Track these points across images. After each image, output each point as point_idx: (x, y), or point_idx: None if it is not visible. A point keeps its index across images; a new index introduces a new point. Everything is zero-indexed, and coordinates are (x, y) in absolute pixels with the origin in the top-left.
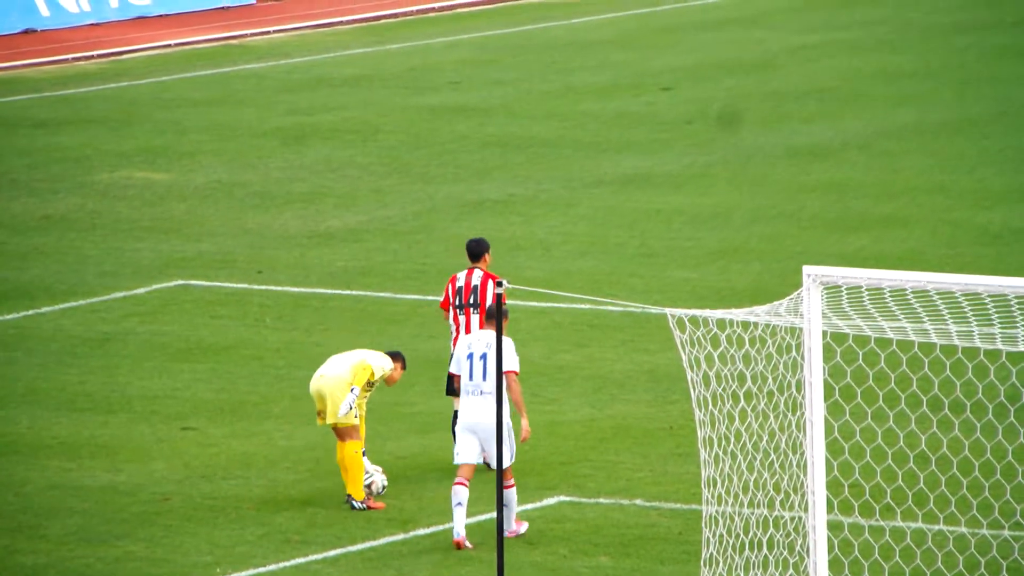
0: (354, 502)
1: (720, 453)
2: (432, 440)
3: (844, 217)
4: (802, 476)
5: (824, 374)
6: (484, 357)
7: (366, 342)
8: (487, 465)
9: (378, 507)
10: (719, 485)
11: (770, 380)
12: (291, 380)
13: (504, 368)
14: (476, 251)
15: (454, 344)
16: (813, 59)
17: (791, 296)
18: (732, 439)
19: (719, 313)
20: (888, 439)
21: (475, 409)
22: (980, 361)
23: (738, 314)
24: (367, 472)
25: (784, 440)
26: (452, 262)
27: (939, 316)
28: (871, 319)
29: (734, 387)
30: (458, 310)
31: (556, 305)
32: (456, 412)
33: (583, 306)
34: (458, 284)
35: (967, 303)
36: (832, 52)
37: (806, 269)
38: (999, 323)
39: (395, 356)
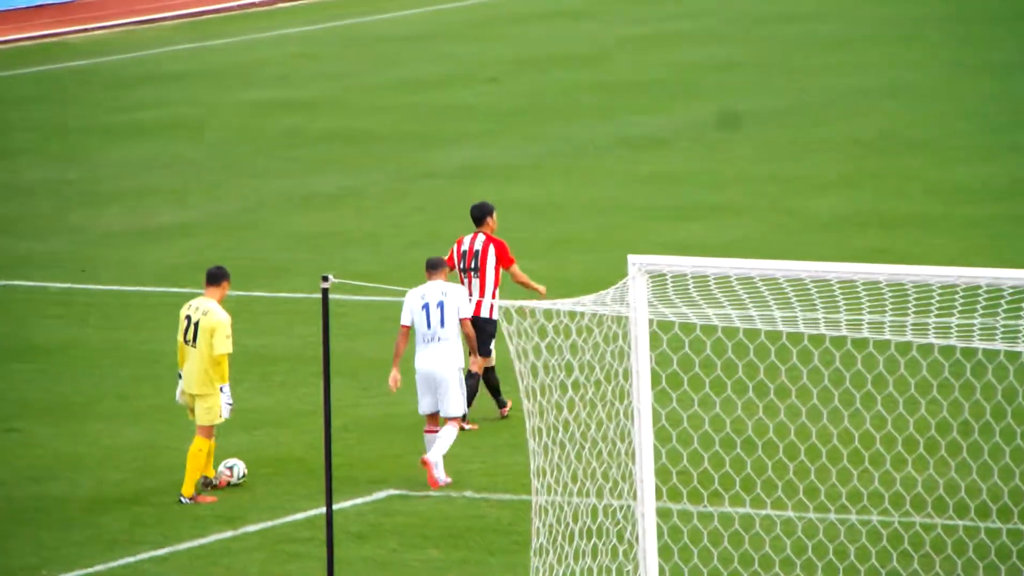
0: (182, 498)
1: (549, 443)
2: (260, 436)
3: (677, 206)
4: (630, 464)
5: (651, 362)
6: (441, 305)
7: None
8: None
9: (209, 500)
10: (548, 475)
11: (597, 369)
12: (117, 379)
13: (460, 315)
14: (478, 215)
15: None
16: (643, 50)
17: (617, 285)
18: (560, 429)
19: (545, 304)
20: (715, 425)
21: (431, 357)
22: (804, 346)
23: (564, 304)
24: (230, 462)
25: (612, 428)
26: (283, 256)
27: (764, 303)
28: (697, 306)
29: (561, 377)
30: (462, 273)
31: (386, 299)
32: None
33: None
34: (462, 248)
35: (791, 289)
36: (662, 43)
37: (631, 258)
38: (823, 309)
39: (216, 278)
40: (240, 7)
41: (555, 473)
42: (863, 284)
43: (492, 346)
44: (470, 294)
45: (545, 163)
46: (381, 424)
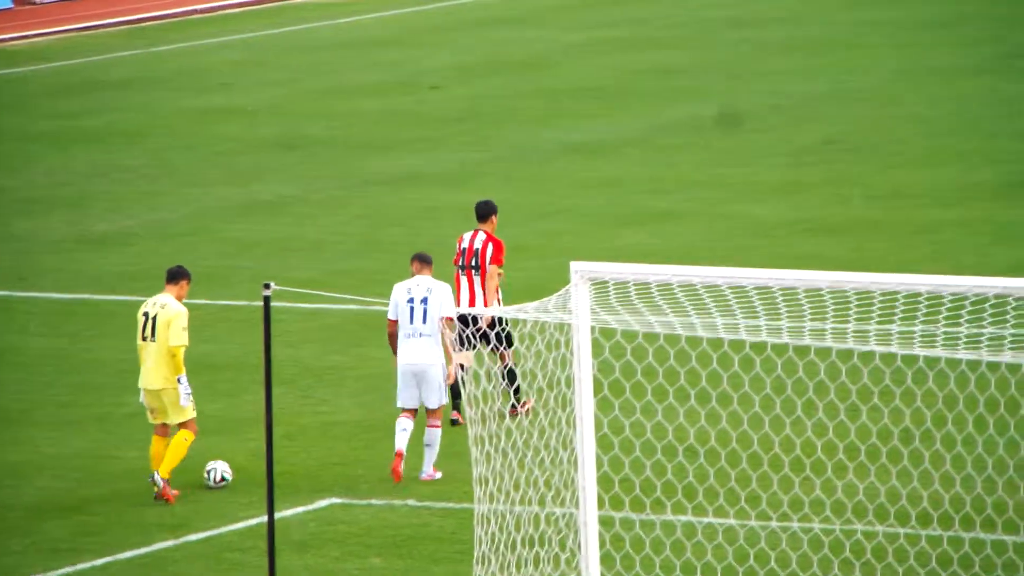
0: (157, 476)
1: (491, 451)
2: (203, 444)
3: (621, 213)
4: (573, 472)
5: (593, 369)
6: (425, 301)
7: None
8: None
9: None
10: (491, 483)
11: (540, 377)
12: (58, 387)
13: (442, 314)
14: (482, 212)
15: (458, 301)
16: (586, 57)
17: (559, 292)
18: (503, 436)
19: (488, 311)
20: (657, 433)
21: (414, 351)
22: (746, 354)
23: (508, 311)
24: (211, 465)
25: (554, 436)
26: (225, 263)
27: (706, 310)
28: (639, 314)
29: (504, 384)
30: (460, 270)
31: (327, 306)
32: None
33: (354, 306)
34: (462, 245)
35: (733, 296)
36: (605, 49)
37: (573, 265)
38: (764, 315)
39: (176, 276)
40: (182, 14)
41: (497, 481)
42: (805, 291)
43: (513, 343)
44: (471, 291)
45: (488, 170)
46: (323, 432)
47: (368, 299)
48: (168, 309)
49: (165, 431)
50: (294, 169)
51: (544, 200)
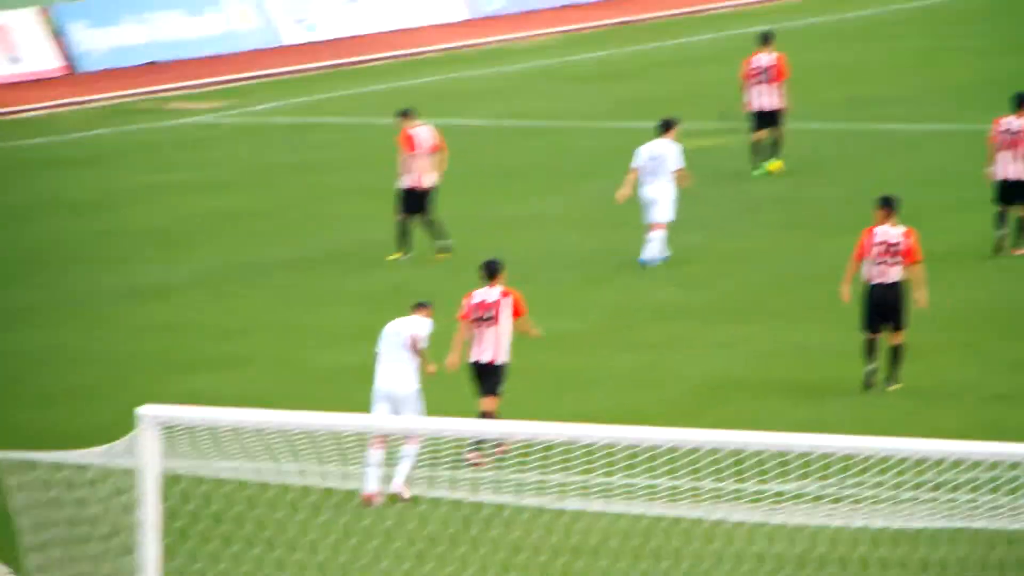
0: None
1: None
2: None
3: (187, 358)
4: None
5: (160, 515)
6: (401, 332)
7: None
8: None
9: None
10: None
11: (104, 523)
12: None
13: (420, 346)
14: (493, 270)
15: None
16: (148, 199)
17: (127, 437)
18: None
19: (51, 456)
20: None
21: (390, 375)
22: (312, 500)
23: (71, 456)
24: None
25: None
26: None
27: (277, 454)
28: (209, 459)
29: (67, 531)
30: (474, 323)
31: None
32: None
33: None
34: (473, 301)
35: (306, 442)
36: (168, 192)
37: (141, 410)
38: (337, 461)
39: None
40: None
41: None
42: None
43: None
44: (480, 342)
45: (52, 311)
46: None
47: None
48: None
49: None
50: None
51: (104, 346)
